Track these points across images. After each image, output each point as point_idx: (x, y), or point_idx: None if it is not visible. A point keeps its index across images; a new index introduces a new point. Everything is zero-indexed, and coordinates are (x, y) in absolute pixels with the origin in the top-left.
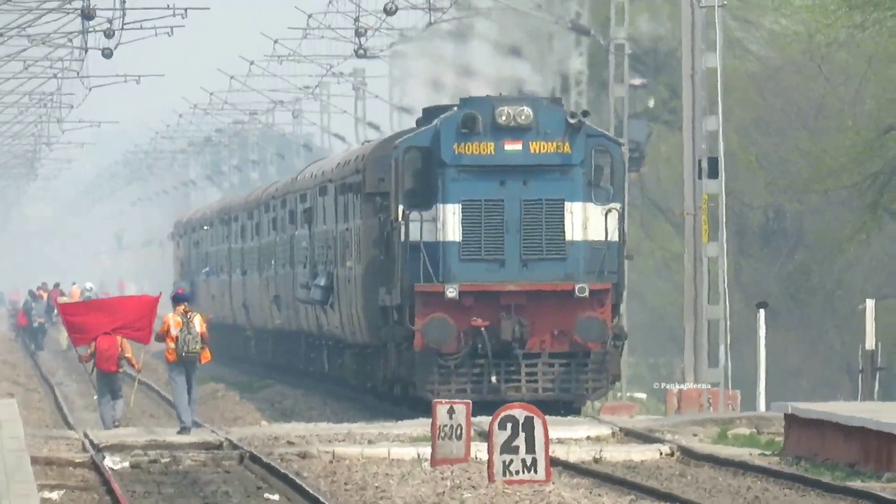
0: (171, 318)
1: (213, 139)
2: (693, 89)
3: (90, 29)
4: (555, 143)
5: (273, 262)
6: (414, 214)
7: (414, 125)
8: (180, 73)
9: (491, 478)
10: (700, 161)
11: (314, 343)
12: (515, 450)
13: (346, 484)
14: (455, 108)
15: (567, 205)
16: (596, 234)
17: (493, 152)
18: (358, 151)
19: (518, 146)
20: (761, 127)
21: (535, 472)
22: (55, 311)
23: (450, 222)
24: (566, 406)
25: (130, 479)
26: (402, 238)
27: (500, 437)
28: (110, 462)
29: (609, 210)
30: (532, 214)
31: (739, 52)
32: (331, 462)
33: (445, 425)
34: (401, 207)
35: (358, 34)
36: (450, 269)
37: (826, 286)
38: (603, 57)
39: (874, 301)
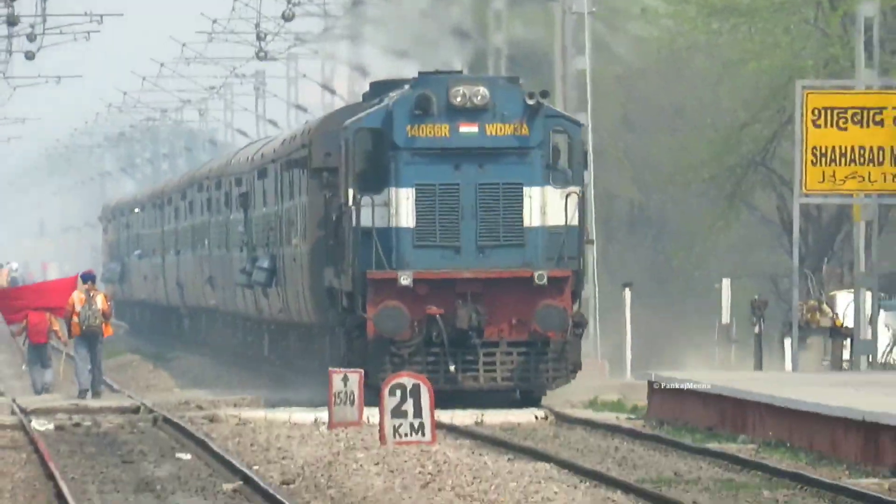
0: (75, 295)
1: (126, 135)
2: (564, 89)
3: (14, 34)
4: (512, 126)
5: (207, 242)
6: (365, 199)
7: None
8: (97, 74)
9: (382, 439)
10: None
11: (252, 326)
12: (404, 414)
13: (251, 445)
14: (407, 87)
15: (525, 189)
16: (555, 218)
17: (448, 135)
18: (303, 127)
19: (474, 128)
20: (628, 125)
21: (423, 434)
22: None
23: (403, 207)
24: (526, 395)
25: (55, 439)
26: (354, 223)
27: (391, 402)
28: (37, 424)
29: (569, 193)
30: (489, 199)
31: (607, 55)
32: (237, 425)
33: (340, 392)
34: (351, 191)
35: (259, 38)
36: (403, 255)
37: (686, 268)
38: (483, 59)
39: (729, 280)
